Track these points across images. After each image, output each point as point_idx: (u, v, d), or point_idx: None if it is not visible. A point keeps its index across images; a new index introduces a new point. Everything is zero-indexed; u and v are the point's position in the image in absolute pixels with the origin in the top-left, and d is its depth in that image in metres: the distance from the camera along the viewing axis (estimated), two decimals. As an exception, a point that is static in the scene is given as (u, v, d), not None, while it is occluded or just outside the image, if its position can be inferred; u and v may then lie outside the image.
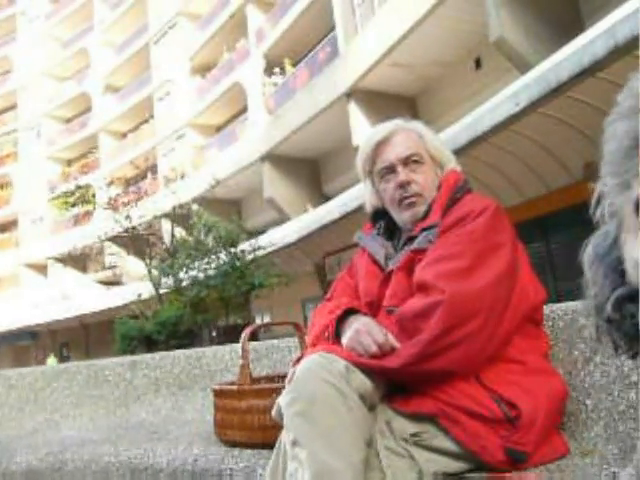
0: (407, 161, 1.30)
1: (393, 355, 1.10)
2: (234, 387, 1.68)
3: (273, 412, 1.13)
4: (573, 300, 1.39)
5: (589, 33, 6.23)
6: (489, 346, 1.11)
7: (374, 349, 1.10)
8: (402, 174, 1.29)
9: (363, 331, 1.13)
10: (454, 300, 1.09)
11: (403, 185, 1.29)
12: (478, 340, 1.09)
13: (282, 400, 1.07)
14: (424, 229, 1.24)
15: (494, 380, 1.10)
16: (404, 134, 1.33)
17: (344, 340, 1.16)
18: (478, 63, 11.08)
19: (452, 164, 1.36)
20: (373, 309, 1.27)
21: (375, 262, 1.32)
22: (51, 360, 17.89)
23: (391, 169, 1.31)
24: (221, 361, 2.34)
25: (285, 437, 1.05)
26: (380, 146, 1.33)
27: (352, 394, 1.03)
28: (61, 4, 26.91)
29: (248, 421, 1.59)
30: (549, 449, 1.11)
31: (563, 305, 1.37)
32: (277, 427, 1.13)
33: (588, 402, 1.25)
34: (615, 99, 0.47)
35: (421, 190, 1.29)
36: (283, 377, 1.12)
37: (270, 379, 1.84)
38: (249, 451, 1.55)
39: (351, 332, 1.15)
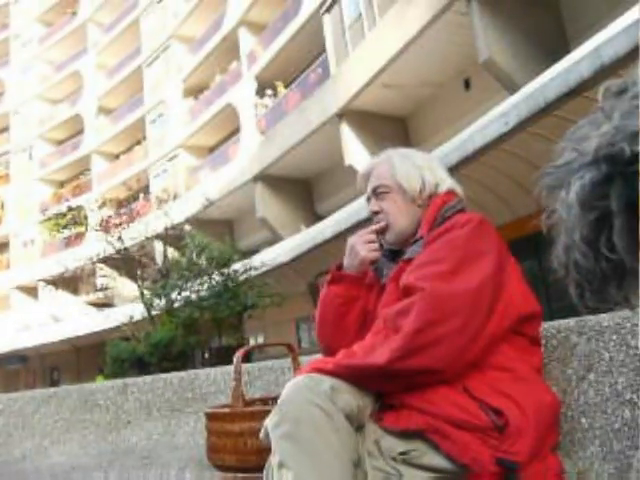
0: (375, 191, 1.44)
1: (378, 352, 1.12)
2: (227, 410, 1.66)
3: (261, 434, 1.12)
4: (566, 318, 1.39)
5: (575, 54, 6.35)
6: (473, 346, 1.12)
7: (373, 228, 1.37)
8: (371, 204, 1.45)
9: (353, 239, 1.39)
10: (433, 296, 1.13)
11: (373, 214, 1.44)
12: (461, 339, 1.10)
13: (269, 422, 1.07)
14: (413, 242, 1.32)
15: (481, 389, 1.11)
16: (379, 168, 1.46)
17: (344, 260, 1.40)
18: (467, 84, 11.24)
19: (430, 189, 1.41)
20: (369, 321, 1.33)
21: (377, 280, 1.40)
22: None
23: (369, 200, 1.47)
24: (214, 383, 2.32)
25: (272, 459, 1.05)
26: (365, 180, 1.48)
27: (338, 415, 1.04)
28: (55, 27, 27.14)
29: (241, 445, 1.56)
30: (544, 467, 1.10)
31: (556, 323, 1.37)
32: (270, 450, 1.12)
33: (583, 421, 1.25)
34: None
35: (386, 218, 1.41)
36: (277, 399, 1.11)
37: (264, 401, 1.82)
38: (242, 475, 1.53)
39: (346, 251, 1.40)
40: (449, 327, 1.10)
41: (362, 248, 1.38)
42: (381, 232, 1.40)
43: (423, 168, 1.43)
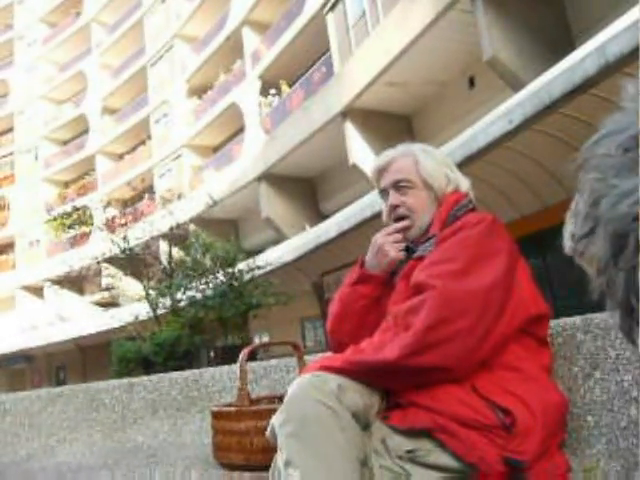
0: (397, 185, 1.40)
1: (388, 349, 1.12)
2: (232, 409, 1.66)
3: (267, 432, 1.13)
4: (571, 316, 1.39)
5: (580, 51, 6.32)
6: (484, 345, 1.12)
7: (398, 226, 1.35)
8: (392, 197, 1.40)
9: (380, 238, 1.36)
10: (445, 294, 1.12)
11: (392, 208, 1.40)
12: (472, 337, 1.10)
13: (275, 420, 1.07)
14: (424, 241, 1.32)
15: (489, 388, 1.11)
16: (401, 161, 1.42)
17: (368, 258, 1.38)
18: (472, 82, 11.21)
19: (453, 186, 1.40)
20: (381, 319, 1.32)
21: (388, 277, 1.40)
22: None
23: (386, 192, 1.42)
24: (219, 382, 2.32)
25: (279, 458, 1.05)
26: (381, 172, 1.44)
27: (345, 413, 1.04)
28: (59, 28, 27.23)
29: (247, 443, 1.57)
30: (551, 465, 1.10)
31: (561, 321, 1.37)
32: (276, 449, 1.13)
33: (589, 418, 1.24)
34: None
35: (409, 212, 1.38)
36: (282, 398, 1.11)
37: (269, 400, 1.83)
38: (248, 474, 1.53)
39: (371, 250, 1.37)
40: (460, 325, 1.10)
41: (391, 248, 1.35)
42: (405, 230, 1.39)
43: (444, 165, 1.42)
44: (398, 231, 1.37)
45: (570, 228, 0.48)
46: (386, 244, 1.35)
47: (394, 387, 1.14)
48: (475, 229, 1.23)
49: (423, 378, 1.11)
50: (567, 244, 0.48)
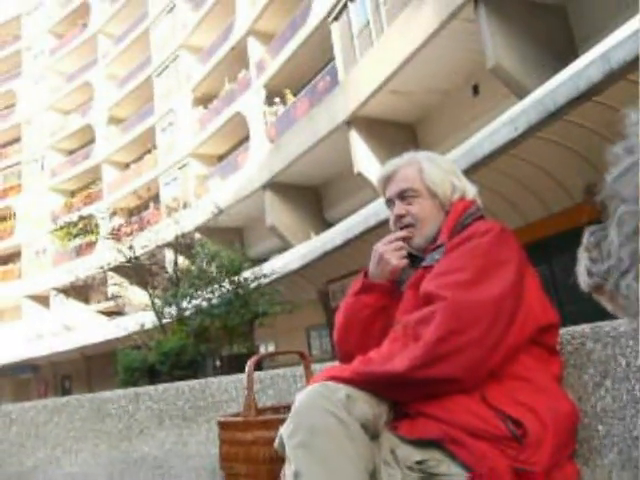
0: (402, 195, 1.40)
1: (397, 360, 1.11)
2: (239, 419, 1.65)
3: (275, 443, 1.12)
4: (578, 323, 1.38)
5: (584, 59, 6.33)
6: (494, 356, 1.11)
7: (399, 235, 1.35)
8: (397, 207, 1.40)
9: (380, 247, 1.35)
10: (455, 305, 1.11)
11: (398, 217, 1.40)
12: (482, 348, 1.09)
13: (283, 431, 1.06)
14: (433, 249, 1.30)
15: (499, 399, 1.09)
16: (405, 170, 1.42)
17: (370, 267, 1.37)
18: (476, 90, 11.22)
19: (459, 194, 1.40)
20: (388, 328, 1.31)
21: (395, 286, 1.39)
22: None
23: (392, 202, 1.42)
24: (226, 392, 2.31)
25: (287, 468, 1.04)
26: (386, 181, 1.44)
27: (354, 423, 1.03)
28: (66, 39, 27.52)
29: (254, 454, 1.55)
30: (562, 476, 1.08)
31: (571, 329, 1.36)
32: (284, 460, 1.12)
33: (600, 428, 1.23)
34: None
35: (414, 221, 1.37)
36: (289, 407, 1.10)
37: (276, 410, 1.81)
38: (255, 484, 1.52)
39: (373, 260, 1.37)
40: (470, 336, 1.09)
41: (393, 256, 1.34)
42: (406, 239, 1.38)
43: (450, 173, 1.41)
44: (398, 239, 1.36)
45: (586, 263, 0.46)
46: (387, 252, 1.35)
47: (403, 398, 1.13)
48: (484, 238, 1.22)
49: (432, 389, 1.10)
50: (583, 279, 0.46)
